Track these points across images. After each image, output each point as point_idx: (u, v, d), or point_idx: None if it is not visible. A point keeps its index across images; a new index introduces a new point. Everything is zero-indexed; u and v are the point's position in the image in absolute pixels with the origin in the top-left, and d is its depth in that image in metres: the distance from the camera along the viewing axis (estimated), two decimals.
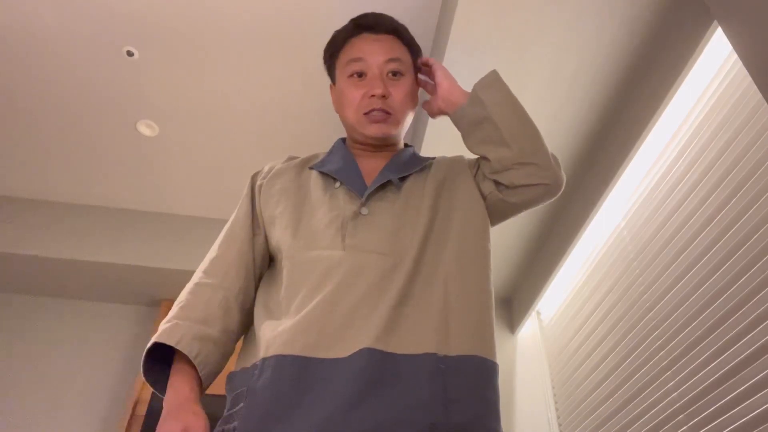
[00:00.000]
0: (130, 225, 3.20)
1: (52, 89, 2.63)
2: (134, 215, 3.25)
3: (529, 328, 3.03)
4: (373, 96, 1.10)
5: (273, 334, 0.89)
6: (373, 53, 1.14)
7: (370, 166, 1.13)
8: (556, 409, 2.69)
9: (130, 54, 2.47)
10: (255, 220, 1.11)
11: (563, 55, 1.97)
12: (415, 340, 0.86)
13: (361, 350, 0.83)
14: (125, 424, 2.80)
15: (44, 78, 2.58)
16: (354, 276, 0.92)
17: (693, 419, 1.68)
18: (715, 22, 1.58)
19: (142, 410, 2.82)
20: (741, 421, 1.49)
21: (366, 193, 1.03)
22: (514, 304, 3.11)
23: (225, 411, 0.89)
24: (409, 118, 1.19)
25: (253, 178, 1.19)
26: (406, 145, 1.24)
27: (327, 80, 1.30)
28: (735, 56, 1.63)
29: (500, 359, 3.02)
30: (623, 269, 2.19)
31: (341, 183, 1.07)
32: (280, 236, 1.04)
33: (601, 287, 2.36)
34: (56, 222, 3.14)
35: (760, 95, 1.53)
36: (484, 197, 1.11)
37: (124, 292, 3.25)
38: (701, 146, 1.81)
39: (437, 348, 0.86)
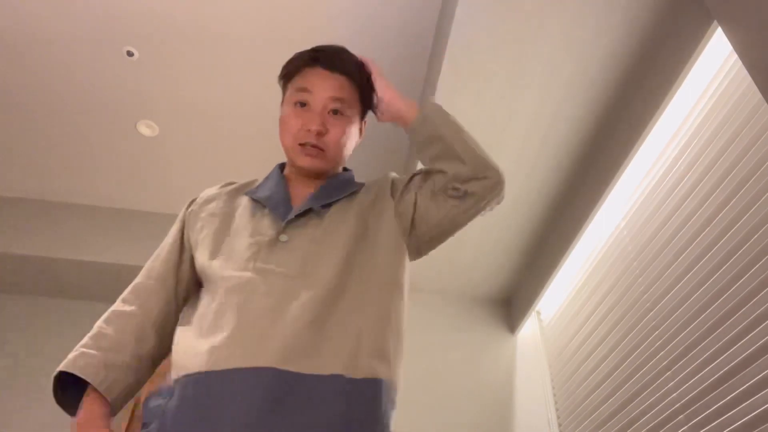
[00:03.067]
0: (130, 225, 3.20)
1: (53, 89, 2.64)
2: (134, 215, 3.25)
3: (529, 328, 3.03)
4: (309, 131, 1.13)
5: (183, 355, 0.96)
6: (321, 88, 1.16)
7: (301, 192, 1.16)
8: (556, 409, 2.69)
9: (130, 54, 2.47)
10: (182, 246, 1.17)
11: (563, 55, 1.97)
12: (322, 362, 0.89)
13: (265, 368, 0.86)
14: (125, 424, 2.80)
15: (44, 78, 2.58)
16: (258, 296, 0.95)
17: (693, 419, 1.68)
18: (715, 22, 1.59)
19: (143, 410, 2.82)
20: (741, 421, 1.49)
21: (285, 220, 1.06)
22: (514, 304, 3.11)
23: None
24: (347, 153, 1.21)
25: (188, 205, 1.25)
26: (345, 170, 1.26)
27: None
28: (735, 56, 1.63)
29: (500, 359, 3.03)
30: (623, 269, 2.19)
31: (269, 209, 1.10)
32: (200, 260, 1.08)
33: (601, 287, 2.36)
34: (56, 222, 3.14)
35: (759, 95, 1.53)
36: (413, 215, 1.13)
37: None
38: (701, 146, 1.81)
39: (344, 370, 0.89)
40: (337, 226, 1.08)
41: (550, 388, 2.79)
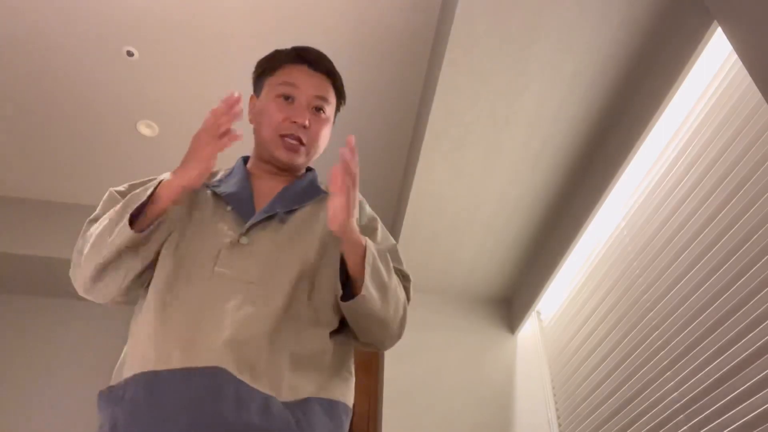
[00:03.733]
0: None
1: (53, 89, 2.63)
2: None
3: (529, 329, 3.03)
4: (295, 123, 1.15)
5: (133, 351, 0.96)
6: (307, 85, 1.19)
7: (265, 190, 1.15)
8: (556, 409, 2.69)
9: (130, 54, 2.47)
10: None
11: (563, 55, 1.97)
12: (263, 379, 0.89)
13: (214, 368, 0.86)
14: None
15: (44, 78, 2.58)
16: (216, 300, 0.94)
17: (693, 419, 1.68)
18: (715, 22, 1.59)
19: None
20: (741, 422, 1.49)
21: (248, 224, 1.04)
22: (514, 304, 3.11)
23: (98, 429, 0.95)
24: (319, 153, 1.22)
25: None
26: (308, 170, 1.26)
27: None
28: (735, 56, 1.64)
29: (500, 359, 3.02)
30: (623, 269, 2.19)
31: (232, 208, 1.09)
32: (161, 253, 1.05)
33: (601, 287, 2.36)
34: (56, 222, 3.14)
35: (760, 95, 1.53)
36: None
37: None
38: (701, 146, 1.81)
39: (281, 393, 0.90)
40: (300, 234, 1.07)
41: (550, 388, 2.80)
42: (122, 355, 1.02)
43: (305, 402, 0.91)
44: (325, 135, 1.21)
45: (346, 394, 1.01)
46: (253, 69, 1.29)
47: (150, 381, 0.87)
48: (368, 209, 1.24)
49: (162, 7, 2.29)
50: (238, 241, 1.02)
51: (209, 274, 0.97)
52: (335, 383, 0.99)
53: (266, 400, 0.87)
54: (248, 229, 1.04)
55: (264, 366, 0.90)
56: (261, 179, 1.19)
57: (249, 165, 1.23)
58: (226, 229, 1.05)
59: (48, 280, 3.17)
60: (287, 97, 1.17)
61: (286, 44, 1.31)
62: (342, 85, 1.27)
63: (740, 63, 1.54)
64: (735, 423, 1.51)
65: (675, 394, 1.78)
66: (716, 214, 1.70)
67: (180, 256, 1.01)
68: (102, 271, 1.02)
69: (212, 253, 1.00)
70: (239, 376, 0.87)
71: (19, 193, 3.20)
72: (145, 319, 0.98)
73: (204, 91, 2.63)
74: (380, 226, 1.22)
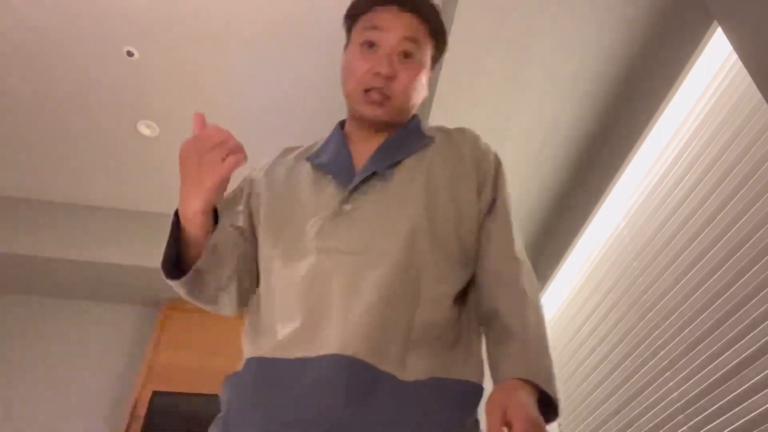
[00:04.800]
0: (130, 225, 3.20)
1: (53, 89, 2.64)
2: (134, 215, 3.25)
3: None
4: (377, 74, 1.01)
5: (253, 338, 0.92)
6: (392, 28, 1.04)
7: (364, 149, 1.05)
8: None
9: (130, 54, 2.47)
10: (249, 215, 1.06)
11: (563, 55, 1.97)
12: (386, 358, 0.81)
13: (332, 355, 0.79)
14: (125, 424, 2.80)
15: (44, 78, 2.58)
16: (324, 279, 0.87)
17: (693, 419, 1.68)
18: (715, 23, 1.59)
19: (142, 410, 2.83)
20: (741, 422, 1.49)
21: (348, 189, 0.96)
22: None
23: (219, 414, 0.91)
24: (415, 104, 1.08)
25: (251, 174, 1.14)
26: (412, 118, 1.13)
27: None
28: (735, 56, 1.63)
29: None
30: (623, 269, 2.19)
31: (332, 176, 1.01)
32: (263, 239, 0.99)
33: (601, 287, 2.36)
34: (56, 222, 3.14)
35: (759, 95, 1.53)
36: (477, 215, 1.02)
37: (124, 292, 3.26)
38: (701, 146, 1.81)
39: (403, 372, 0.81)
40: (405, 189, 0.97)
41: None
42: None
43: (429, 382, 0.82)
44: (418, 84, 1.05)
45: (478, 371, 0.90)
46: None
47: (271, 367, 0.83)
48: (483, 145, 1.10)
49: (162, 7, 2.29)
50: (341, 208, 0.94)
51: (315, 256, 0.89)
52: (463, 359, 0.88)
53: (386, 380, 0.79)
54: (350, 195, 0.95)
55: (380, 344, 0.81)
56: (359, 139, 1.08)
57: (346, 127, 1.13)
58: (327, 199, 0.97)
59: (48, 280, 3.17)
60: (371, 44, 1.03)
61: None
62: (441, 26, 1.12)
63: (740, 63, 1.54)
64: (735, 423, 1.51)
65: (675, 394, 1.78)
66: (716, 214, 1.70)
67: (286, 242, 0.95)
68: (212, 304, 0.98)
69: (315, 228, 0.93)
70: (356, 356, 0.79)
71: (19, 193, 3.20)
72: (253, 309, 0.96)
73: (204, 91, 2.63)
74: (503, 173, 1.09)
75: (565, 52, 1.96)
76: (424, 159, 1.02)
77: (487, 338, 0.92)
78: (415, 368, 0.82)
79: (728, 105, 1.70)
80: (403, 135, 1.06)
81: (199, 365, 3.03)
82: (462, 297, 0.94)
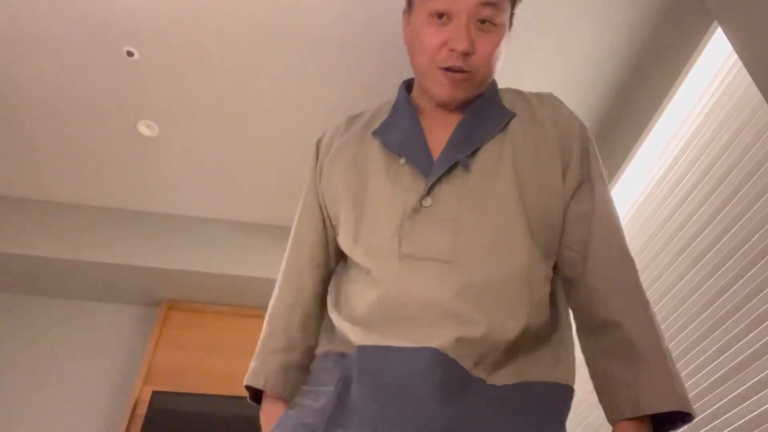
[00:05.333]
0: (130, 225, 3.20)
1: (53, 89, 2.63)
2: (134, 215, 3.25)
3: None
4: (454, 50, 0.88)
5: (345, 328, 0.86)
6: None
7: (439, 128, 0.95)
8: None
9: (130, 54, 2.47)
10: (323, 215, 1.00)
11: (563, 55, 1.97)
12: (482, 363, 0.77)
13: (427, 348, 0.76)
14: (125, 424, 2.80)
15: (44, 78, 2.58)
16: (412, 290, 0.80)
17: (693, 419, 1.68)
18: (715, 23, 1.59)
19: (142, 410, 2.82)
20: (741, 421, 1.49)
21: (428, 183, 0.86)
22: None
23: (311, 386, 0.88)
24: (497, 71, 0.97)
25: (317, 151, 1.06)
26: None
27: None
28: (735, 56, 1.63)
29: None
30: None
31: (405, 160, 0.91)
32: (343, 242, 0.94)
33: None
34: (56, 222, 3.14)
35: (760, 95, 1.53)
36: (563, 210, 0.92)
37: (124, 292, 3.25)
38: (701, 146, 1.81)
39: (492, 376, 0.78)
40: (491, 184, 0.87)
41: None
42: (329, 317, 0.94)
43: (519, 387, 0.78)
44: (499, 52, 0.93)
45: (569, 371, 0.84)
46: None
47: (379, 354, 0.78)
48: (567, 114, 0.99)
49: (162, 7, 2.29)
50: (420, 205, 0.86)
51: (396, 258, 0.83)
52: (555, 359, 0.83)
53: (476, 383, 0.76)
54: (430, 188, 0.86)
55: (477, 352, 0.77)
56: (431, 114, 0.98)
57: (414, 95, 1.02)
58: (404, 191, 0.88)
59: (48, 280, 3.17)
60: (441, 15, 0.89)
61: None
62: None
63: (740, 63, 1.54)
64: (735, 423, 1.51)
65: None
66: (716, 214, 1.70)
67: (364, 240, 0.88)
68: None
69: (394, 225, 0.85)
70: (450, 355, 0.75)
71: (19, 193, 3.20)
72: (340, 307, 0.91)
73: (204, 92, 2.63)
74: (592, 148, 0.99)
75: (564, 53, 1.96)
76: (506, 142, 0.92)
77: (595, 349, 0.84)
78: (505, 372, 0.78)
79: (728, 105, 1.70)
80: (481, 110, 0.95)
81: (199, 365, 3.03)
82: (552, 292, 0.88)
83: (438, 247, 0.82)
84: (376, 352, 0.78)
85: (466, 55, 0.89)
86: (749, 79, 1.55)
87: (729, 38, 1.48)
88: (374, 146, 0.96)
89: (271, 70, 2.49)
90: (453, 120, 0.95)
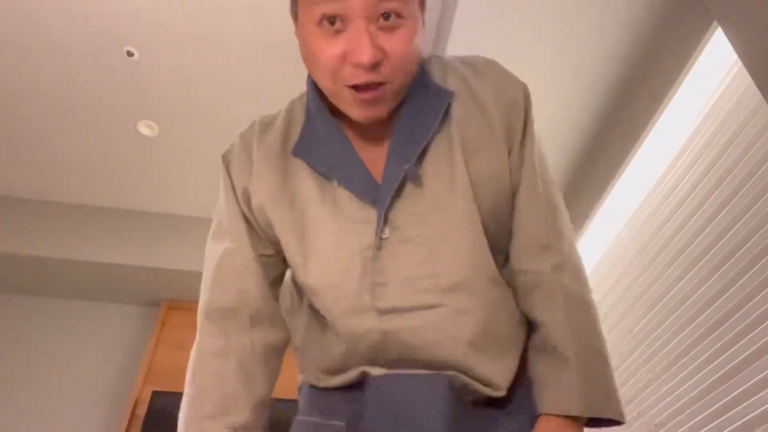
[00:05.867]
0: (130, 225, 3.20)
1: (53, 89, 2.63)
2: (134, 215, 3.25)
3: None
4: (357, 64, 0.71)
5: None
6: None
7: (370, 140, 0.81)
8: None
9: (130, 54, 2.47)
10: (253, 237, 0.84)
11: (563, 55, 1.97)
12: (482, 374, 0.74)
13: (431, 374, 0.73)
14: (125, 424, 2.80)
15: (44, 78, 2.58)
16: (393, 340, 0.74)
17: (693, 419, 1.68)
18: (715, 23, 1.59)
19: (142, 410, 2.82)
20: (741, 422, 1.49)
21: (380, 213, 0.75)
22: None
23: (304, 414, 0.82)
24: (418, 63, 0.79)
25: (227, 172, 0.87)
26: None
27: None
28: (735, 56, 1.63)
29: None
30: (623, 270, 2.19)
31: (341, 185, 0.78)
32: (299, 282, 0.83)
33: (601, 288, 2.36)
34: (56, 222, 3.14)
35: (760, 95, 1.53)
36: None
37: (124, 292, 3.25)
38: (701, 146, 1.81)
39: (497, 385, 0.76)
40: (448, 192, 0.76)
41: None
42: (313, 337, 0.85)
43: (516, 391, 0.77)
44: (413, 48, 0.75)
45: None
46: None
47: (389, 381, 0.75)
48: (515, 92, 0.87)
49: (162, 7, 2.29)
50: (380, 238, 0.75)
51: (373, 317, 0.74)
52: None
53: (481, 398, 0.75)
54: (385, 218, 0.75)
55: (476, 361, 0.74)
56: (356, 127, 0.81)
57: (330, 103, 0.82)
58: (350, 222, 0.76)
59: (48, 280, 3.17)
60: (332, 20, 0.70)
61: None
62: None
63: (740, 63, 1.54)
64: (735, 423, 1.51)
65: (674, 394, 1.78)
66: (716, 214, 1.70)
67: (324, 291, 0.77)
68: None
69: (356, 274, 0.75)
70: (454, 377, 0.73)
71: (19, 193, 3.20)
72: (312, 351, 0.82)
73: (204, 91, 2.63)
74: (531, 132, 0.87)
75: (564, 53, 1.96)
76: (452, 134, 0.79)
77: (530, 345, 0.80)
78: (502, 378, 0.76)
79: (728, 105, 1.70)
80: (415, 105, 0.80)
81: None
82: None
83: (420, 292, 0.73)
84: (389, 380, 0.74)
85: (375, 65, 0.71)
86: (749, 79, 1.55)
87: (729, 38, 1.48)
88: (300, 165, 0.82)
89: (270, 71, 2.49)
90: (385, 125, 0.80)
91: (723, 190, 1.68)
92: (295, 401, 0.87)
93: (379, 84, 0.73)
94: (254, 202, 0.83)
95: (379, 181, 0.77)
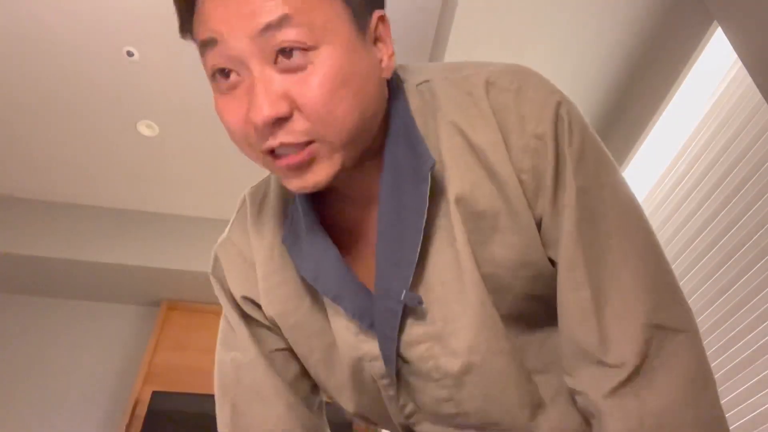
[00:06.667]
0: (130, 225, 3.20)
1: (53, 89, 2.63)
2: (134, 215, 3.25)
3: None
4: (256, 126, 0.52)
5: None
6: (231, 22, 0.52)
7: (354, 235, 0.65)
8: None
9: (130, 54, 2.47)
10: (279, 356, 0.70)
11: (563, 55, 1.97)
12: None
13: None
14: (125, 424, 2.80)
15: (45, 78, 2.58)
16: None
17: None
18: (715, 23, 1.59)
19: (142, 410, 2.83)
20: (741, 422, 1.49)
21: (384, 355, 0.61)
22: None
23: None
24: (368, 108, 0.55)
25: (220, 282, 0.72)
26: (388, 112, 0.61)
27: None
28: (735, 56, 1.64)
29: None
30: None
31: (325, 295, 0.64)
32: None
33: None
34: (56, 222, 3.14)
35: (760, 95, 1.53)
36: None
37: (124, 292, 3.26)
38: (701, 147, 1.81)
39: None
40: (453, 297, 0.59)
41: None
42: None
43: None
44: (342, 87, 0.52)
45: None
46: None
47: None
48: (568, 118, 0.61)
49: (162, 7, 2.29)
50: (399, 371, 0.62)
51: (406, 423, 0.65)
52: None
53: None
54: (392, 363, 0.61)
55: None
56: (334, 211, 0.65)
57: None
58: (356, 353, 0.63)
59: (48, 280, 3.17)
60: (224, 71, 0.54)
61: None
62: None
63: (740, 63, 1.54)
64: (735, 423, 1.51)
65: None
66: (716, 215, 1.70)
67: (362, 409, 0.68)
68: None
69: (381, 404, 0.65)
70: None
71: (19, 193, 3.20)
72: None
73: (204, 92, 2.63)
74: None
75: (565, 52, 1.96)
76: (449, 215, 0.58)
77: None
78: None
79: (728, 105, 1.70)
80: (396, 173, 0.58)
81: (199, 365, 3.03)
82: None
83: (454, 426, 0.63)
84: None
85: (279, 121, 0.51)
86: (749, 79, 1.55)
87: (729, 38, 1.48)
88: (293, 278, 0.67)
89: None
90: (367, 216, 0.63)
91: (723, 191, 1.68)
92: None
93: (302, 145, 0.53)
94: (268, 313, 0.69)
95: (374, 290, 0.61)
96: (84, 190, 3.19)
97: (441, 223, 0.59)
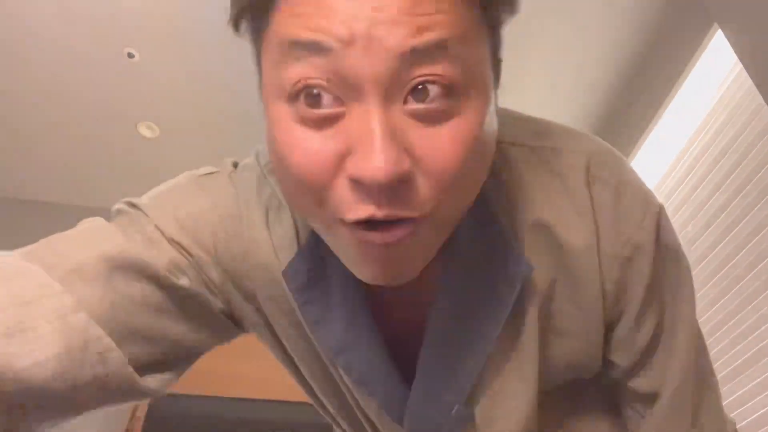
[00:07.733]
0: None
1: (53, 91, 2.64)
2: None
3: None
4: (360, 179, 0.35)
5: None
6: (368, 26, 0.33)
7: (402, 325, 0.51)
8: None
9: (130, 56, 2.47)
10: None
11: (563, 56, 1.97)
12: None
13: None
14: (125, 424, 2.80)
15: (45, 79, 2.59)
16: None
17: None
18: (715, 25, 1.59)
19: (142, 411, 2.82)
20: (741, 422, 1.49)
21: None
22: None
23: None
24: (482, 180, 0.41)
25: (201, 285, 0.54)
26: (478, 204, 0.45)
27: None
28: (735, 58, 1.64)
29: None
30: None
31: (346, 374, 0.52)
32: None
33: None
34: (56, 223, 3.13)
35: (760, 97, 1.53)
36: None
37: None
38: (701, 148, 1.81)
39: None
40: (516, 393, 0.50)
41: None
42: None
43: None
44: (477, 150, 0.38)
45: None
46: (253, 70, 0.46)
47: None
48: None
49: (163, 8, 2.29)
50: None
51: None
52: None
53: None
54: None
55: None
56: (379, 295, 0.49)
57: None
58: (374, 417, 0.53)
59: None
60: (314, 92, 0.35)
61: None
62: None
63: (740, 65, 1.54)
64: (738, 424, 1.51)
65: None
66: (716, 216, 1.70)
67: None
68: None
69: None
70: None
71: (19, 193, 3.20)
72: None
73: (205, 93, 2.63)
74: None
75: (565, 53, 1.96)
76: (524, 312, 0.48)
77: None
78: None
79: (728, 107, 1.70)
80: (459, 274, 0.47)
81: (199, 366, 3.01)
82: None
83: None
84: None
85: (399, 183, 0.35)
86: (749, 81, 1.55)
87: (729, 40, 1.49)
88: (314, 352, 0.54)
89: None
90: (418, 302, 0.49)
91: (723, 192, 1.68)
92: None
93: (409, 219, 0.37)
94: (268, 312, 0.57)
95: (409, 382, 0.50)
96: (84, 191, 3.19)
97: (508, 331, 0.48)
